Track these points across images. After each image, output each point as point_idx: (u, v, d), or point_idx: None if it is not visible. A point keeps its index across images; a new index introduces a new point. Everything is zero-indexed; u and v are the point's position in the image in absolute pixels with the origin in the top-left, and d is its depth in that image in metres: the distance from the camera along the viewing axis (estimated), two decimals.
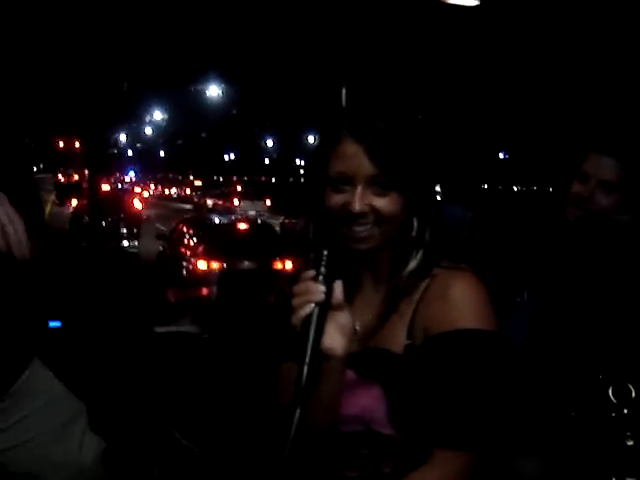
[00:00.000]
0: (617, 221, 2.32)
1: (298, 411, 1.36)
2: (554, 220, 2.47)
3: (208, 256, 12.92)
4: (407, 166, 1.47)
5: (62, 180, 46.31)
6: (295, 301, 1.42)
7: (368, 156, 1.45)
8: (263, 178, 52.99)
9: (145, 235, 14.63)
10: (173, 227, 16.20)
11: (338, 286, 1.43)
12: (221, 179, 55.17)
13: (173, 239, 15.33)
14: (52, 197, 34.30)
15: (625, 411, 2.03)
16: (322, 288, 1.41)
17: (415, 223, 1.53)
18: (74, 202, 25.16)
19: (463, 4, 5.23)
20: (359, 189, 1.46)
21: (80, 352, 4.95)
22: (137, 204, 22.53)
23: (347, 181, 1.47)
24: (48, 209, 30.61)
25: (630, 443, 2.02)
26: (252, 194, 38.62)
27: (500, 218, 2.93)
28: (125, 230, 19.00)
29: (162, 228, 26.35)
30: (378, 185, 1.46)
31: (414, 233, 1.53)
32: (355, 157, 1.46)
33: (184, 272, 13.22)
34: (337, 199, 1.48)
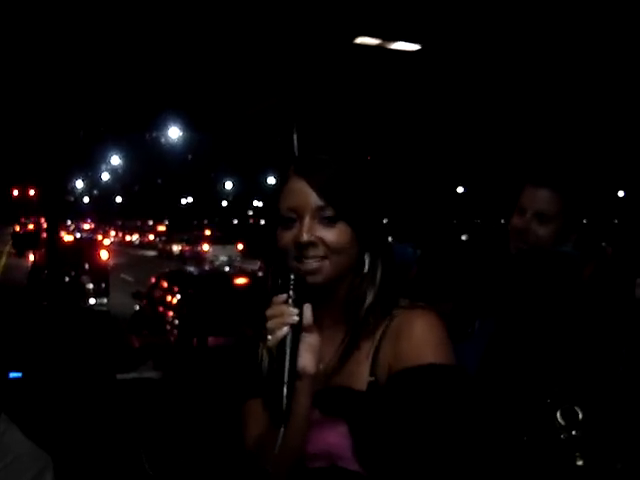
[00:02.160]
0: (557, 252, 2.42)
1: (282, 430, 1.41)
2: (499, 253, 2.55)
3: (211, 328, 9.84)
4: (352, 197, 1.53)
5: (18, 230, 45.41)
6: (270, 324, 1.47)
7: (313, 188, 1.51)
8: (217, 220, 52.67)
9: (117, 291, 13.61)
10: (151, 283, 13.59)
11: (307, 308, 1.48)
12: (179, 223, 54.69)
13: (153, 298, 12.82)
14: (7, 248, 33.41)
15: (574, 433, 2.10)
16: (295, 310, 1.46)
17: (367, 259, 1.57)
18: (32, 256, 22.68)
19: (406, 49, 5.42)
20: (306, 220, 1.51)
21: (42, 402, 4.90)
22: (104, 255, 19.95)
23: (295, 216, 1.52)
24: (3, 260, 29.82)
25: (580, 463, 2.09)
26: (222, 238, 36.55)
27: (449, 253, 3.02)
28: (91, 286, 17.01)
29: (128, 279, 24.18)
30: (325, 217, 1.51)
31: (366, 269, 1.57)
32: (301, 191, 1.52)
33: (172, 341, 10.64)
34: (287, 235, 1.53)
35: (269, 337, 1.47)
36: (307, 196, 1.52)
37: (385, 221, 1.72)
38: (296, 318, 1.46)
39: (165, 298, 12.15)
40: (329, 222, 1.51)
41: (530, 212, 2.46)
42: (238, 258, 33.11)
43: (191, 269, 17.44)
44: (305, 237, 1.50)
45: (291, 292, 1.48)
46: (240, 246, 34.47)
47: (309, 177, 1.52)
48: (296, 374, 1.45)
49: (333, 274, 1.53)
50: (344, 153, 1.59)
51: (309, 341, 1.48)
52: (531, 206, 2.46)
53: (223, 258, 32.94)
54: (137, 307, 13.24)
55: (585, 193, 2.55)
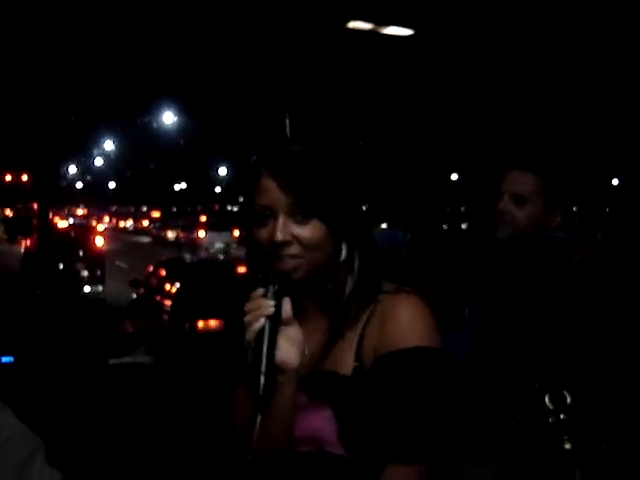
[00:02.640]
0: (547, 237, 2.43)
1: (259, 418, 1.45)
2: (487, 239, 2.57)
3: (202, 313, 9.87)
4: (323, 193, 1.52)
5: (9, 215, 45.09)
6: (247, 317, 1.49)
7: (284, 188, 1.50)
8: (217, 207, 52.41)
9: (112, 279, 13.31)
10: (149, 272, 13.23)
11: (287, 302, 1.50)
12: (174, 209, 54.49)
13: (151, 286, 12.48)
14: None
15: (562, 416, 2.13)
16: (272, 303, 1.47)
17: (344, 248, 1.57)
18: (25, 243, 21.35)
19: (399, 34, 5.41)
20: (280, 219, 1.50)
21: (34, 386, 4.92)
22: (99, 242, 18.96)
23: (269, 214, 1.52)
24: None
25: (568, 446, 2.12)
26: (218, 225, 34.91)
27: (439, 238, 3.03)
28: (86, 273, 16.54)
29: (123, 266, 23.75)
30: (298, 214, 1.51)
31: (342, 258, 1.57)
32: (273, 190, 1.51)
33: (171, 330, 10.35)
34: (262, 233, 1.53)
35: (247, 331, 1.48)
36: (278, 194, 1.51)
37: (363, 208, 1.69)
38: (272, 310, 1.47)
39: (163, 286, 11.96)
40: (303, 219, 1.51)
41: (507, 195, 2.49)
42: (234, 245, 31.99)
43: (189, 257, 16.97)
44: (280, 236, 1.50)
45: (271, 287, 1.49)
46: (236, 233, 32.93)
47: (278, 175, 1.51)
48: (275, 365, 1.47)
49: (310, 269, 1.53)
50: (325, 141, 1.58)
51: (289, 334, 1.50)
52: (507, 189, 2.50)
53: (219, 245, 32.37)
54: (134, 295, 12.92)
55: (566, 175, 2.56)
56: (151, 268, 13.26)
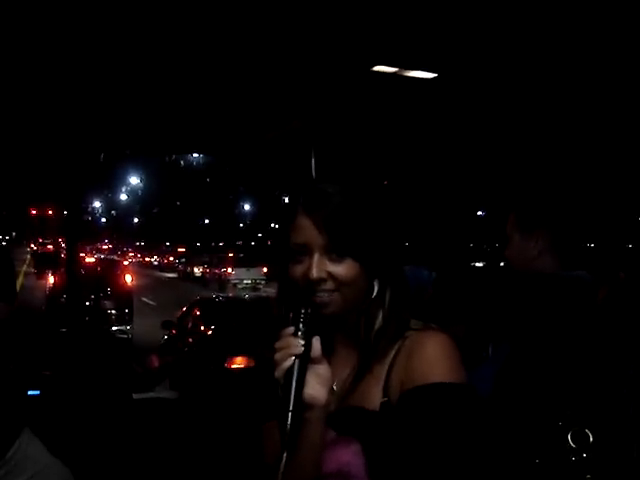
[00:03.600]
0: (570, 276, 2.46)
1: (285, 455, 1.46)
2: (507, 278, 2.60)
3: (230, 350, 9.38)
4: (358, 235, 1.56)
5: (35, 249, 45.31)
6: (277, 355, 1.51)
7: (320, 227, 1.54)
8: (240, 242, 52.55)
9: (139, 316, 12.51)
10: (183, 312, 12.29)
11: (316, 340, 1.52)
12: (198, 244, 54.69)
13: (184, 327, 11.46)
14: (24, 267, 33.19)
15: (584, 455, 2.12)
16: (301, 342, 1.50)
17: (376, 286, 1.61)
18: (51, 278, 20.55)
19: (421, 77, 5.51)
20: (315, 257, 1.55)
21: (59, 419, 4.96)
22: (127, 278, 18.17)
23: (305, 251, 1.56)
24: (20, 280, 29.76)
25: None
26: (245, 260, 34.84)
27: (464, 276, 3.06)
28: (114, 311, 16.02)
29: (150, 303, 23.20)
30: (333, 252, 1.55)
31: (374, 294, 1.60)
32: (308, 228, 1.55)
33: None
34: (298, 270, 1.57)
35: (276, 369, 1.50)
36: (314, 233, 1.55)
37: (399, 246, 1.72)
38: (302, 349, 1.49)
39: (197, 328, 11.05)
40: (337, 257, 1.55)
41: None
42: (263, 282, 31.81)
43: (222, 296, 15.95)
44: (315, 274, 1.54)
45: (301, 325, 1.51)
46: (265, 269, 32.93)
47: (314, 214, 1.55)
48: (303, 403, 1.48)
49: (344, 305, 1.57)
50: (355, 181, 1.62)
51: (318, 372, 1.52)
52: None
53: (247, 281, 31.89)
54: (165, 337, 12.12)
55: (532, 201, 2.62)
56: (184, 308, 12.44)
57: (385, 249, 1.62)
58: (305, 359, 1.50)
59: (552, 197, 2.58)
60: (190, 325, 11.29)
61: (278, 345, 1.52)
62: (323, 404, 1.51)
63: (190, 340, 10.76)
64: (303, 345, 1.50)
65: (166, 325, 11.93)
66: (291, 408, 1.46)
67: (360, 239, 1.57)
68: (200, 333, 10.70)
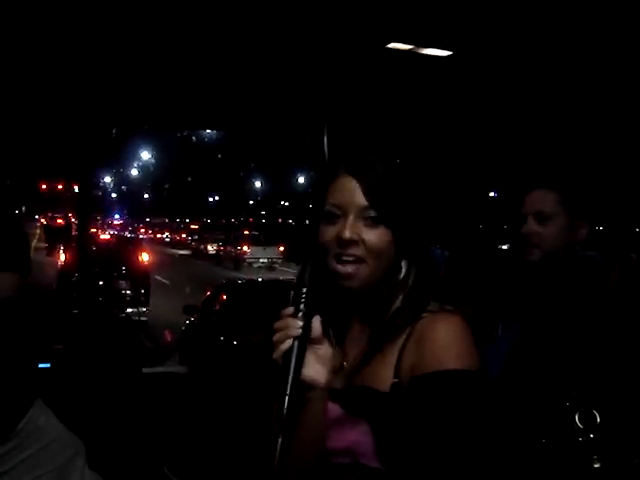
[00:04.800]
0: (583, 257, 2.46)
1: (280, 440, 1.44)
2: (518, 259, 2.59)
3: (242, 327, 8.87)
4: (397, 202, 1.57)
5: (47, 223, 45.34)
6: (275, 337, 1.51)
7: (361, 189, 1.55)
8: (251, 219, 52.46)
9: (154, 295, 11.50)
10: (207, 296, 11.32)
11: (316, 321, 1.52)
12: (208, 221, 54.62)
13: (209, 312, 10.46)
14: (34, 242, 32.21)
15: (591, 436, 2.13)
16: (299, 323, 1.49)
17: (404, 266, 1.61)
18: (62, 255, 19.45)
19: (436, 54, 5.48)
20: (350, 218, 1.55)
21: (69, 392, 5.00)
22: (144, 257, 16.87)
23: (340, 213, 1.57)
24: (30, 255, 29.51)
25: (597, 466, 2.12)
26: (260, 239, 33.59)
27: (476, 256, 3.06)
28: (129, 292, 14.97)
29: (164, 281, 22.00)
30: (368, 217, 1.55)
31: (401, 276, 1.60)
32: (349, 190, 1.56)
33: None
34: (330, 230, 1.57)
35: (274, 350, 1.50)
36: (354, 195, 1.56)
37: (432, 226, 1.72)
38: (300, 331, 1.48)
39: (223, 314, 10.09)
40: (372, 222, 1.56)
41: (530, 216, 2.52)
42: (279, 261, 31.30)
43: (251, 279, 14.52)
44: (347, 234, 1.54)
45: (301, 305, 1.50)
46: (281, 248, 32.23)
47: (358, 176, 1.56)
48: (302, 385, 1.48)
49: (369, 279, 1.56)
50: (392, 157, 1.63)
51: (318, 352, 1.53)
52: (529, 210, 2.53)
53: (263, 260, 31.29)
54: (187, 322, 11.09)
55: (585, 185, 2.58)
56: (208, 292, 11.52)
57: (419, 225, 1.62)
58: (304, 340, 1.49)
59: (599, 187, 2.56)
60: (213, 309, 10.37)
61: (277, 326, 1.52)
62: (323, 384, 1.52)
63: (221, 335, 9.52)
64: (302, 326, 1.49)
65: (188, 310, 11.01)
66: (288, 392, 1.45)
67: (398, 207, 1.57)
68: (234, 325, 9.50)
